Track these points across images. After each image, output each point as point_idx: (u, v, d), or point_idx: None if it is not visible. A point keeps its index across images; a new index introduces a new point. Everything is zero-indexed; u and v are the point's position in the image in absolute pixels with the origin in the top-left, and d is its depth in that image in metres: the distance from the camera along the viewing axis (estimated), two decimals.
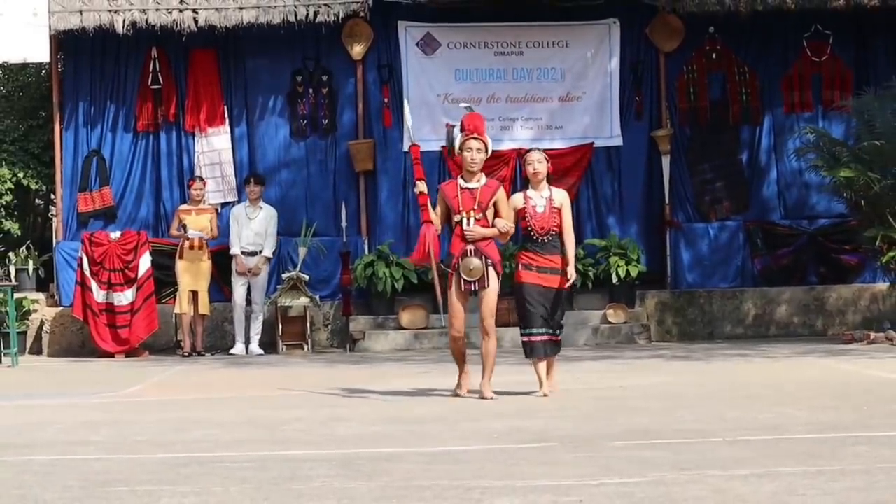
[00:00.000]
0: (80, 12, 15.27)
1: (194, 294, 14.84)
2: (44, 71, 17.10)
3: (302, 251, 15.47)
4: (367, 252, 15.77)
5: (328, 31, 15.82)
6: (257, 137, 16.20)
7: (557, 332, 9.38)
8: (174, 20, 15.35)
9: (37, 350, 15.59)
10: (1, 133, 16.49)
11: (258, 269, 15.03)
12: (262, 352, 14.93)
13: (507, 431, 7.34)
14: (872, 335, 14.17)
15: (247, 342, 15.05)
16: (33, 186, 16.45)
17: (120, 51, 16.01)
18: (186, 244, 14.89)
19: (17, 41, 19.07)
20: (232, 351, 15.01)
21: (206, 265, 14.97)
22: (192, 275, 14.88)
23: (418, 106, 15.27)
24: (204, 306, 14.87)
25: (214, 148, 16.01)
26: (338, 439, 7.25)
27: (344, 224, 15.70)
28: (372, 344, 15.05)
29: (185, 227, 14.95)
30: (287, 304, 15.12)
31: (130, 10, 15.33)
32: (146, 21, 15.34)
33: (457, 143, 9.30)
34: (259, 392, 10.44)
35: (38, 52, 17.81)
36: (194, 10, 15.39)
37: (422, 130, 14.90)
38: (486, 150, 9.34)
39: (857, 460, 5.97)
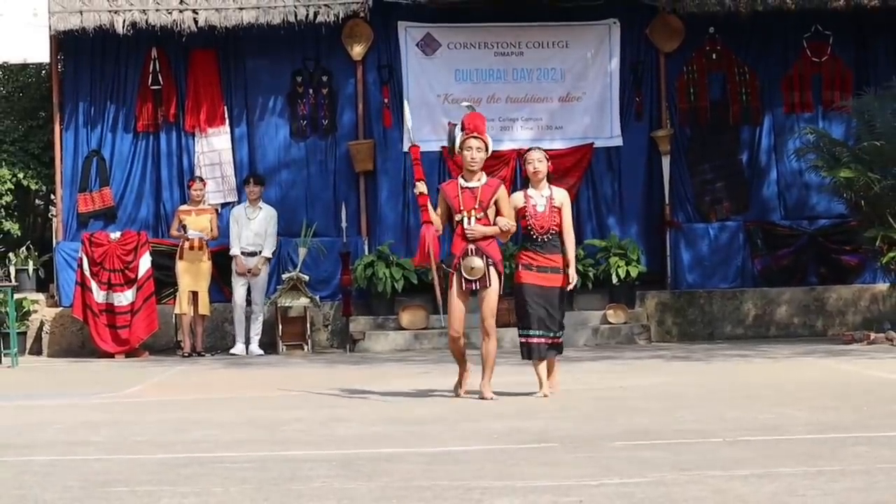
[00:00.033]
0: (80, 13, 15.27)
1: (194, 294, 14.84)
2: (44, 71, 17.11)
3: (302, 251, 15.47)
4: (367, 252, 15.77)
5: (328, 32, 15.82)
6: (257, 138, 16.20)
7: (559, 332, 9.36)
8: (174, 20, 15.35)
9: (37, 350, 15.59)
10: (1, 133, 16.49)
11: (257, 269, 15.02)
12: (262, 352, 14.93)
13: (507, 432, 7.34)
14: (872, 335, 14.17)
15: (247, 342, 15.05)
16: (33, 187, 16.45)
17: (120, 51, 16.01)
18: (186, 245, 14.89)
19: (18, 41, 19.08)
20: (232, 350, 15.01)
21: (206, 266, 14.97)
22: (193, 275, 14.88)
23: (418, 106, 15.26)
24: (204, 307, 14.87)
25: (214, 148, 16.01)
26: (338, 439, 7.25)
27: (344, 224, 15.70)
28: (372, 344, 15.05)
29: (185, 227, 14.95)
30: (287, 305, 15.12)
31: (130, 10, 15.33)
32: (146, 21, 15.34)
33: (457, 143, 9.30)
34: (259, 392, 10.44)
35: (38, 52, 17.82)
36: (194, 11, 15.39)
37: (422, 131, 14.90)
38: (487, 150, 9.33)
39: (857, 461, 5.97)
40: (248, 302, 15.11)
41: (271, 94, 16.17)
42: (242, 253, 15.08)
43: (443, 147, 15.47)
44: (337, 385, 10.51)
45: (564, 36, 16.19)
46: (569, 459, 6.22)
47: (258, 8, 15.44)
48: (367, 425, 7.84)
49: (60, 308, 15.60)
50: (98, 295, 14.96)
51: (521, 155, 13.78)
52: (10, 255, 15.90)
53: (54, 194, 16.25)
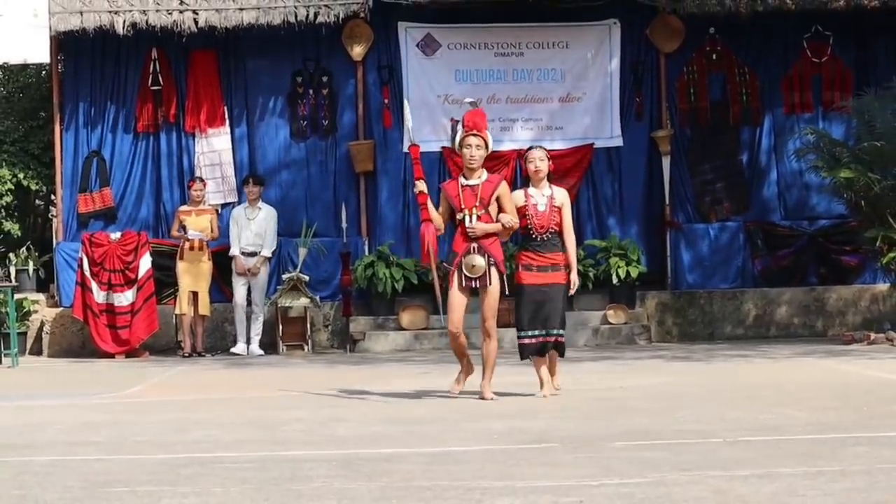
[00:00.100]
0: (81, 13, 15.26)
1: (194, 295, 14.85)
2: (44, 72, 17.11)
3: (302, 252, 15.47)
4: (367, 253, 15.77)
5: (328, 32, 15.82)
6: (257, 138, 16.20)
7: (560, 332, 9.34)
8: (174, 21, 15.35)
9: (37, 351, 15.59)
10: (1, 134, 16.49)
11: (256, 268, 15.02)
12: (262, 352, 14.93)
13: (507, 432, 7.34)
14: (872, 336, 14.17)
15: (247, 343, 15.04)
16: (33, 187, 16.45)
17: (120, 52, 16.01)
18: (187, 245, 14.90)
19: (18, 42, 19.07)
20: (233, 349, 15.00)
21: (206, 266, 14.98)
22: (193, 275, 14.88)
23: (418, 107, 15.25)
24: (204, 307, 14.88)
25: (214, 149, 16.01)
26: (338, 440, 7.25)
27: (344, 225, 15.69)
28: (372, 344, 15.05)
29: (185, 227, 14.96)
30: (287, 305, 15.12)
31: (130, 10, 15.33)
32: (146, 22, 15.34)
33: (457, 140, 9.29)
34: (259, 393, 10.44)
35: (39, 52, 17.82)
36: (194, 11, 15.39)
37: (422, 131, 14.89)
38: (487, 147, 9.31)
39: (857, 461, 5.97)
40: (249, 302, 15.11)
41: (271, 95, 16.17)
42: (242, 253, 15.08)
43: (443, 147, 15.49)
44: (337, 385, 10.51)
45: (565, 36, 16.19)
46: (569, 460, 6.22)
47: (258, 8, 15.44)
48: (367, 425, 7.84)
49: (61, 308, 15.60)
50: (98, 295, 14.96)
51: (521, 155, 13.78)
52: (11, 255, 15.90)
53: (54, 195, 16.26)
